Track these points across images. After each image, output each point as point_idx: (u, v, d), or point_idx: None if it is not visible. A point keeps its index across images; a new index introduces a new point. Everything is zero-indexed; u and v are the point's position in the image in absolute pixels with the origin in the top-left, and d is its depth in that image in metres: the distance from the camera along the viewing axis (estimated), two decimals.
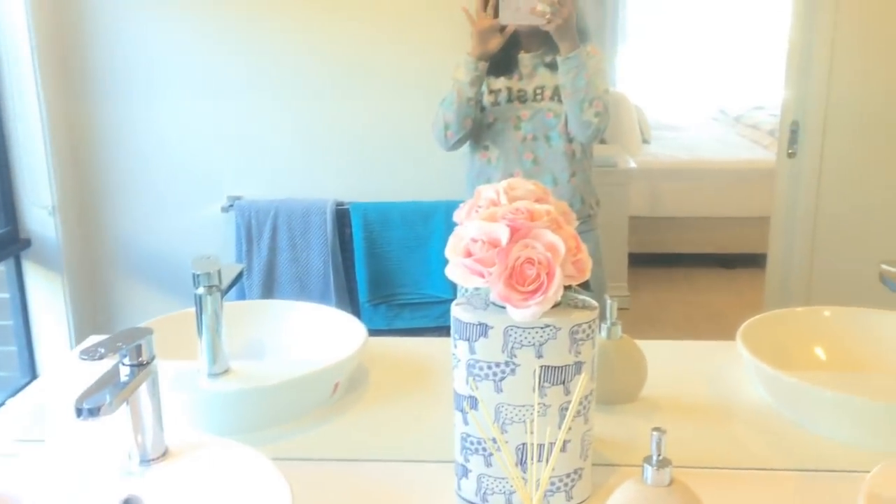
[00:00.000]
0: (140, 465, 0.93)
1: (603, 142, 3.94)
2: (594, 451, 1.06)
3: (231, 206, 2.39)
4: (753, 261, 3.97)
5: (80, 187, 2.53)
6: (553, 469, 0.88)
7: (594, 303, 0.95)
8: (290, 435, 1.13)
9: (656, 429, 0.83)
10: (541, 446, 0.89)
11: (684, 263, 4.45)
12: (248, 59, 2.45)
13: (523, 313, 0.87)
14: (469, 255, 0.89)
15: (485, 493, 0.96)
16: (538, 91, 2.07)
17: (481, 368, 0.92)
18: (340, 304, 2.34)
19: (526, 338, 0.90)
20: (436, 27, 2.42)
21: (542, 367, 0.90)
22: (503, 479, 0.94)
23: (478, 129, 2.09)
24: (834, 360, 1.25)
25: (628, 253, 3.90)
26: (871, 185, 2.56)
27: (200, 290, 1.13)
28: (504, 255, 0.87)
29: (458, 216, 0.99)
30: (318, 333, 1.34)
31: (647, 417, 1.18)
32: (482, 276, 0.87)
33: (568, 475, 0.95)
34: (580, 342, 0.91)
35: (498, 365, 0.91)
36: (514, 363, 0.91)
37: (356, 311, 2.37)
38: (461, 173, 2.24)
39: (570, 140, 2.08)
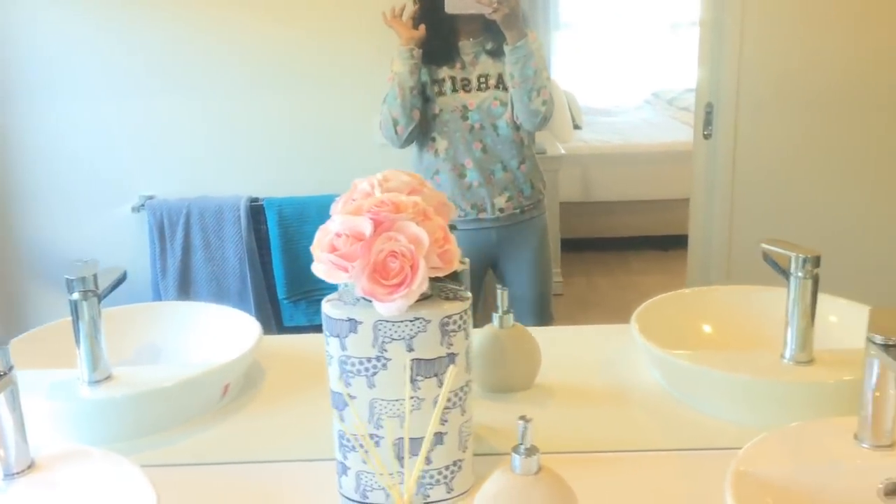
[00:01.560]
0: (3, 480, 0.90)
1: None
2: (484, 441, 1.06)
3: (143, 205, 2.33)
4: (686, 242, 4.03)
5: None
6: (424, 463, 0.87)
7: (467, 293, 0.94)
8: (177, 440, 1.10)
9: (522, 417, 0.83)
10: (416, 440, 0.88)
11: (617, 247, 4.50)
12: (153, 55, 2.38)
13: (389, 307, 0.86)
14: (334, 249, 0.87)
15: (364, 489, 0.94)
16: (482, 79, 2.07)
17: (353, 364, 0.91)
18: (259, 302, 2.30)
19: (396, 331, 0.89)
20: (348, 19, 2.39)
21: (413, 360, 0.89)
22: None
23: (424, 121, 2.08)
24: (723, 339, 1.27)
25: (560, 239, 3.92)
26: (786, 163, 2.61)
27: (76, 296, 1.09)
28: (367, 249, 0.85)
29: (333, 209, 0.98)
30: (213, 334, 1.31)
31: (541, 404, 1.18)
32: (346, 270, 0.86)
33: (447, 467, 0.94)
34: (452, 334, 0.90)
35: (369, 360, 0.90)
36: (385, 358, 0.90)
37: (276, 309, 2.34)
38: (377, 164, 2.21)
39: (517, 128, 2.09)
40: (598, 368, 1.27)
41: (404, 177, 0.98)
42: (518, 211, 2.17)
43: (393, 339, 0.89)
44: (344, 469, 0.96)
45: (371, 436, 0.92)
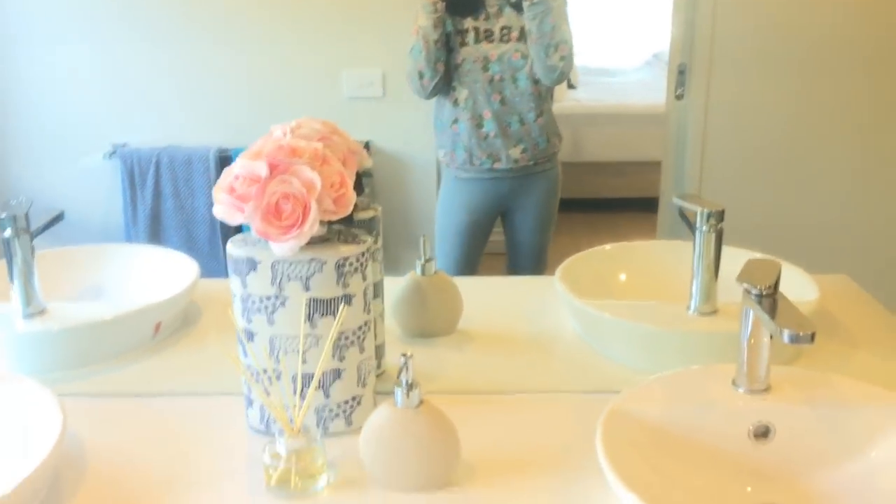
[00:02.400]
0: None
1: None
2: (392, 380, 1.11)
3: (114, 152, 2.37)
4: None
5: None
6: (312, 396, 0.92)
7: (366, 237, 0.98)
8: (104, 373, 1.15)
9: (404, 354, 0.87)
10: (310, 375, 0.93)
11: (606, 208, 4.51)
12: (126, 2, 2.40)
13: (282, 247, 0.90)
14: (232, 191, 0.91)
15: (268, 420, 1.00)
16: (504, 31, 2.10)
17: (254, 302, 0.95)
18: None
19: (293, 271, 0.93)
20: None
21: (310, 299, 0.94)
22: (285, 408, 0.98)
23: (446, 70, 2.12)
24: (641, 291, 1.30)
25: None
26: (757, 124, 2.62)
27: (8, 233, 1.14)
28: (261, 191, 0.89)
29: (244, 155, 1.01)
30: (153, 275, 1.36)
31: (459, 349, 1.22)
32: (242, 211, 0.90)
33: (346, 402, 0.99)
34: (347, 275, 0.94)
35: (269, 298, 0.94)
36: (283, 296, 0.94)
37: None
38: (346, 117, 2.25)
39: (536, 82, 2.12)
40: (521, 318, 1.31)
41: (316, 124, 1.02)
42: (532, 163, 2.22)
43: (290, 279, 0.93)
44: (249, 402, 1.01)
45: (273, 370, 0.96)
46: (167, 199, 2.30)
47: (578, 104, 4.73)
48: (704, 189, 2.66)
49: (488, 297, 1.39)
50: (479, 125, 2.17)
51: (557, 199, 2.34)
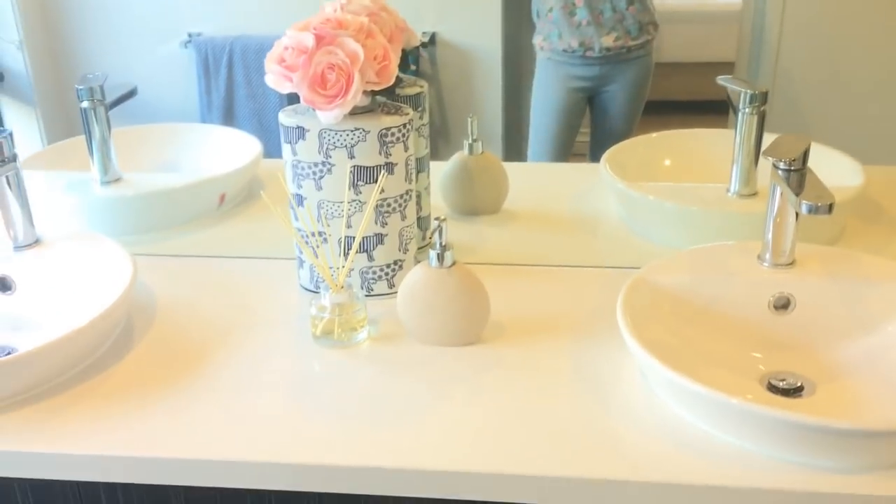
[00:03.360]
0: (14, 251, 1.07)
1: None
2: None
3: (189, 41, 2.45)
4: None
5: (45, 24, 2.59)
6: (354, 257, 0.99)
7: (408, 110, 1.03)
8: (174, 238, 1.26)
9: (437, 218, 0.93)
10: (352, 238, 1.01)
11: (681, 111, 4.41)
12: None
13: (327, 115, 0.96)
14: (282, 61, 0.97)
15: (316, 280, 1.08)
16: None
17: (303, 168, 1.02)
18: None
19: (338, 139, 0.99)
20: None
21: (354, 166, 1.00)
22: (330, 268, 1.06)
23: None
24: (686, 176, 1.32)
25: None
26: (836, 28, 2.50)
27: (85, 104, 1.24)
28: (308, 61, 0.94)
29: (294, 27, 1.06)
30: (221, 152, 1.46)
31: (502, 226, 1.28)
32: (290, 80, 0.96)
33: (388, 265, 1.06)
34: (390, 145, 1.00)
35: (317, 165, 1.01)
36: (330, 163, 1.00)
37: None
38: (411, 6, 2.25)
39: None
40: (566, 200, 1.36)
41: (366, 1, 1.06)
42: (624, 50, 2.23)
43: (336, 147, 0.99)
44: (301, 263, 1.09)
45: (320, 233, 1.04)
46: (240, 88, 2.36)
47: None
48: (775, 93, 2.58)
49: (538, 180, 1.43)
50: (572, 13, 2.16)
51: (648, 87, 2.33)
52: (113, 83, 1.36)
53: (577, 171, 1.49)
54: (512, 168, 1.33)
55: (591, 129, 2.36)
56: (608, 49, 2.19)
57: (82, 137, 1.40)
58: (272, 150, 1.43)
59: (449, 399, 0.87)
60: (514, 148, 1.47)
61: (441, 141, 1.33)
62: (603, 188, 1.33)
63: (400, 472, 0.78)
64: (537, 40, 2.29)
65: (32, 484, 0.87)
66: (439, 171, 1.26)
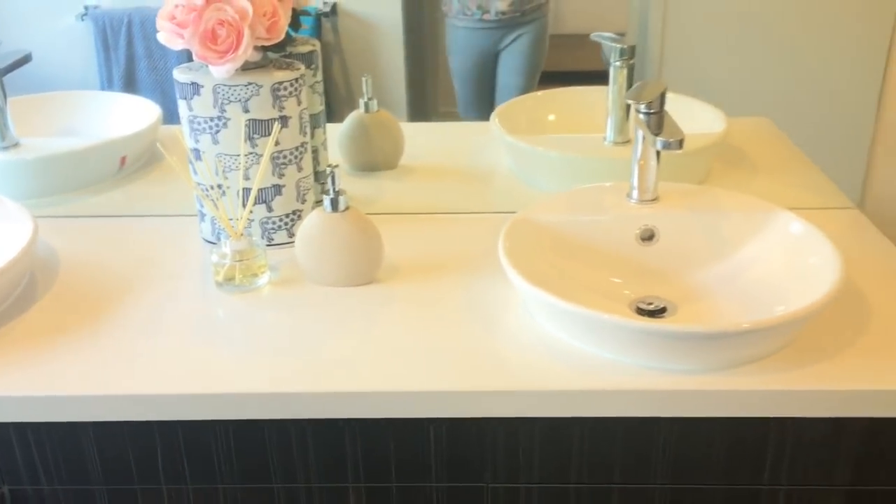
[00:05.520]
0: None
1: None
2: None
3: (86, 14, 2.41)
4: None
5: None
6: (251, 204, 1.04)
7: (299, 65, 1.08)
8: (75, 200, 1.28)
9: (329, 165, 0.99)
10: (250, 190, 1.05)
11: (575, 82, 4.54)
12: None
13: (220, 70, 1.00)
14: (173, 18, 1.00)
15: (217, 232, 1.12)
16: None
17: (199, 123, 1.06)
18: None
19: (232, 94, 1.03)
20: None
21: (249, 120, 1.05)
22: (230, 219, 1.11)
23: None
24: (568, 129, 1.41)
25: None
26: None
27: None
28: (198, 18, 0.98)
29: None
30: (121, 117, 1.47)
31: (398, 180, 1.34)
32: (182, 37, 1.00)
33: (287, 215, 1.11)
34: (283, 98, 1.05)
35: (212, 119, 1.05)
36: (225, 117, 1.05)
37: None
38: None
39: None
40: (460, 156, 1.43)
41: None
42: (518, 14, 2.30)
43: (230, 101, 1.04)
44: (202, 216, 1.13)
45: (219, 186, 1.08)
46: (141, 60, 2.35)
47: None
48: (666, 56, 2.71)
49: (434, 138, 1.50)
50: None
51: (545, 48, 2.42)
52: (7, 51, 1.36)
53: (472, 129, 1.56)
54: (413, 128, 1.39)
55: (496, 88, 2.45)
56: (503, 13, 2.29)
57: None
58: (176, 119, 1.46)
59: (347, 330, 0.93)
60: (420, 109, 1.53)
61: (347, 109, 1.37)
62: (496, 144, 1.40)
63: (302, 395, 0.84)
64: (444, 6, 2.37)
65: None
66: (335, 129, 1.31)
